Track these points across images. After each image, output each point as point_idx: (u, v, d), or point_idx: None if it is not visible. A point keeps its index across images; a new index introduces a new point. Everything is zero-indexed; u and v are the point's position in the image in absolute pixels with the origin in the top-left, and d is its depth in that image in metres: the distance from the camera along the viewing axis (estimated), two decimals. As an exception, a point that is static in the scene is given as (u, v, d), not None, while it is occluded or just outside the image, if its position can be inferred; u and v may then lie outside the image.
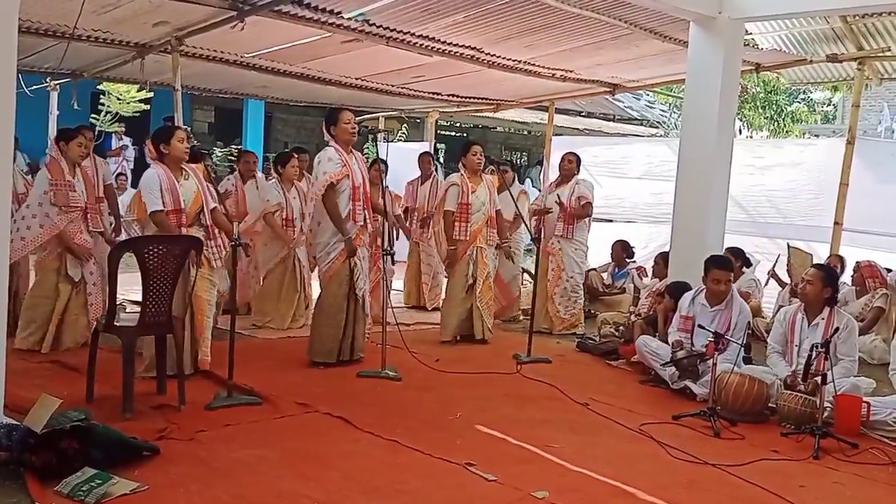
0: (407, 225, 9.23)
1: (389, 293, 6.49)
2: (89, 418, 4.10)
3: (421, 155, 9.69)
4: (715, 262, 6.22)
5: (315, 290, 7.56)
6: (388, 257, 6.38)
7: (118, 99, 14.29)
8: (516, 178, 10.20)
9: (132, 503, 3.58)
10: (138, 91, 13.69)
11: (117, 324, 4.91)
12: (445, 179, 7.88)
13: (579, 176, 8.24)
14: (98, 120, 14.14)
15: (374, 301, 7.83)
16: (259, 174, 8.71)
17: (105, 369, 5.07)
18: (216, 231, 5.67)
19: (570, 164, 8.19)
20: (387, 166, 7.35)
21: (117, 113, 14.45)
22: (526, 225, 7.77)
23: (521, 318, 8.64)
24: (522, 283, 9.17)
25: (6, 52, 4.12)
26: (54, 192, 6.12)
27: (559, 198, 8.03)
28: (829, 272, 5.89)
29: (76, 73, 10.45)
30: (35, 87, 10.97)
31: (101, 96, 14.23)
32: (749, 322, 6.23)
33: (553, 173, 11.20)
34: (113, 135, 14.89)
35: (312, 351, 6.30)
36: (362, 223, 6.23)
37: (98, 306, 6.35)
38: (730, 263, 6.22)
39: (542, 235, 8.03)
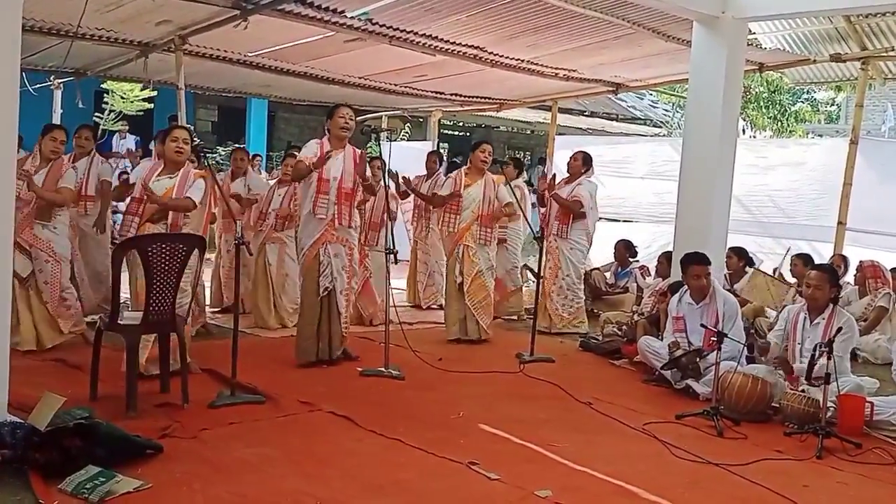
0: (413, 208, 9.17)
1: (391, 292, 6.48)
2: (93, 416, 4.12)
3: (429, 154, 9.75)
4: (690, 259, 6.26)
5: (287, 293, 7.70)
6: (392, 256, 6.36)
7: (122, 98, 14.30)
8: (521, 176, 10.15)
9: (135, 501, 3.58)
10: (142, 90, 13.71)
11: (120, 322, 4.92)
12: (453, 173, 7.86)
13: (590, 177, 8.21)
14: (102, 118, 14.15)
15: (367, 300, 7.87)
16: (251, 171, 8.67)
17: (109, 368, 5.08)
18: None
19: (576, 163, 8.16)
20: (383, 163, 7.34)
21: (121, 111, 14.46)
22: (526, 219, 7.76)
23: (525, 317, 8.64)
24: (525, 281, 9.15)
25: (10, 51, 4.14)
26: None
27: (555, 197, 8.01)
28: (831, 273, 5.89)
29: (80, 72, 10.47)
30: (39, 85, 10.99)
31: (105, 95, 14.24)
32: (739, 310, 6.25)
33: (558, 173, 11.24)
34: (116, 133, 14.89)
35: (296, 349, 6.30)
36: (331, 219, 6.14)
37: (54, 303, 6.27)
38: (704, 258, 6.23)
39: (545, 234, 8.04)
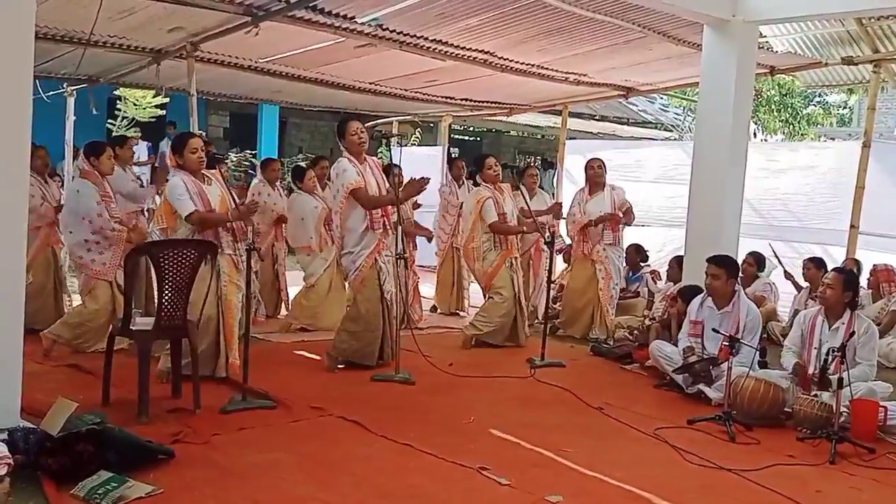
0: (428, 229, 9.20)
1: (406, 297, 6.52)
2: (105, 422, 4.14)
3: (454, 160, 9.84)
4: (709, 258, 6.24)
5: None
6: (402, 261, 6.40)
7: (134, 104, 14.38)
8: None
9: (147, 506, 3.60)
10: (154, 96, 13.77)
11: (132, 327, 4.94)
12: (473, 192, 7.84)
13: (609, 181, 8.20)
14: (115, 125, 14.22)
15: (417, 304, 8.02)
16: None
17: (121, 373, 5.11)
18: (242, 235, 5.70)
19: (600, 170, 8.11)
20: (400, 171, 7.36)
21: (133, 118, 14.53)
22: (537, 227, 7.77)
23: (536, 322, 8.61)
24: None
25: (23, 58, 4.17)
26: None
27: (601, 208, 7.98)
28: (848, 276, 5.83)
29: (93, 79, 10.53)
30: (52, 92, 11.06)
31: (118, 101, 14.32)
32: (761, 324, 6.20)
33: (566, 177, 11.23)
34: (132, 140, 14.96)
35: (350, 355, 6.31)
36: (381, 230, 6.26)
37: None
38: (724, 260, 6.17)
39: (579, 243, 8.11)
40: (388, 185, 6.36)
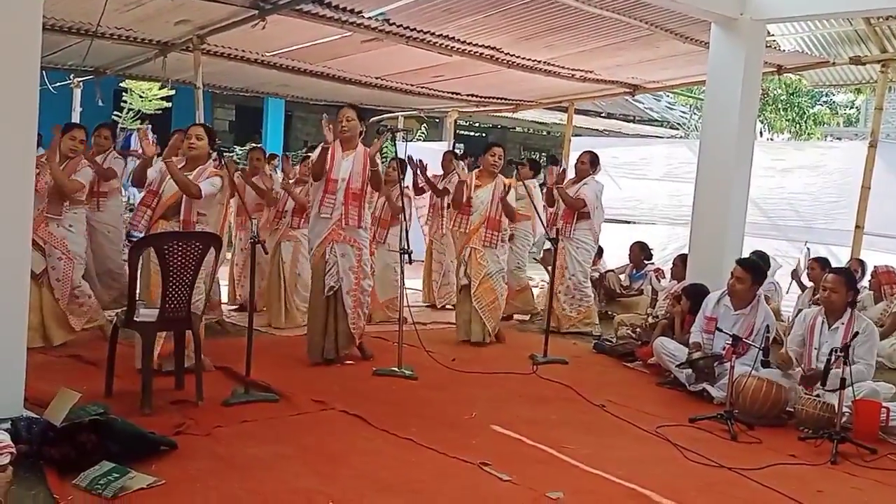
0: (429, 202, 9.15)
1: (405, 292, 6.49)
2: (108, 412, 4.14)
3: (445, 153, 9.76)
4: (738, 260, 6.24)
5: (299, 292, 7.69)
6: (406, 256, 6.36)
7: (140, 96, 14.39)
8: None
9: (149, 497, 3.60)
10: (160, 89, 13.79)
11: (136, 319, 4.95)
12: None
13: (596, 177, 8.20)
14: (121, 117, 14.24)
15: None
16: (266, 170, 8.69)
17: (124, 364, 5.12)
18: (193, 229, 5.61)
19: (583, 165, 8.16)
20: (404, 165, 7.36)
21: (139, 110, 14.55)
22: (540, 219, 7.77)
23: (537, 318, 8.63)
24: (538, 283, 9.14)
25: (30, 50, 4.18)
26: None
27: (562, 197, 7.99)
28: (848, 276, 5.82)
29: (99, 71, 10.54)
30: (59, 84, 11.07)
31: (124, 94, 14.33)
32: (769, 326, 6.18)
33: (572, 173, 11.21)
34: (136, 132, 14.98)
35: (307, 347, 6.33)
36: (337, 219, 6.15)
37: (65, 300, 6.30)
38: (750, 265, 6.15)
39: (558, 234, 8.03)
40: (372, 176, 6.28)
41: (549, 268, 7.76)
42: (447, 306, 8.97)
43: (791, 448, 4.88)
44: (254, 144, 12.25)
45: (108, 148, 7.66)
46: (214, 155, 5.68)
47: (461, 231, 7.43)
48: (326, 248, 6.19)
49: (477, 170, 7.61)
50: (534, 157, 21.09)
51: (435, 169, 9.51)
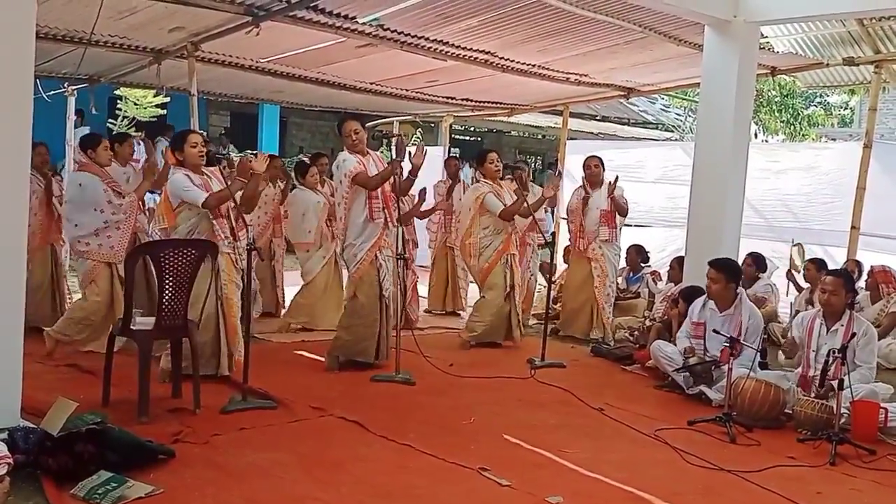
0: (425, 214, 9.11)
1: (406, 297, 6.50)
2: (105, 421, 4.14)
3: (448, 159, 9.77)
4: (710, 262, 6.22)
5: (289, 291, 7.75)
6: (402, 261, 6.38)
7: (135, 104, 14.36)
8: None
9: (147, 506, 3.60)
10: (155, 96, 13.75)
11: (133, 327, 4.94)
12: (472, 188, 7.84)
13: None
14: (115, 125, 14.21)
15: (415, 304, 8.02)
16: None
17: (121, 373, 5.10)
18: (241, 233, 5.70)
19: (598, 169, 8.09)
20: (401, 169, 7.33)
21: (134, 118, 14.53)
22: (536, 224, 7.77)
23: (534, 323, 8.61)
24: (537, 288, 9.12)
25: (24, 58, 4.18)
26: None
27: (598, 205, 7.94)
28: (846, 277, 5.83)
29: (93, 78, 10.52)
30: (53, 92, 11.02)
31: (119, 101, 14.31)
32: (763, 326, 6.19)
33: (567, 177, 11.21)
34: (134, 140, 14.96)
35: (348, 351, 6.30)
36: (382, 222, 6.24)
37: None
38: (721, 264, 6.15)
39: (575, 240, 8.09)
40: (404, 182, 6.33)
41: (548, 276, 7.76)
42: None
43: (790, 450, 4.88)
44: (249, 151, 12.25)
45: (130, 159, 7.65)
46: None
47: (500, 236, 7.41)
48: (377, 253, 6.24)
49: (486, 180, 7.55)
50: (525, 159, 21.12)
51: (431, 174, 9.52)
